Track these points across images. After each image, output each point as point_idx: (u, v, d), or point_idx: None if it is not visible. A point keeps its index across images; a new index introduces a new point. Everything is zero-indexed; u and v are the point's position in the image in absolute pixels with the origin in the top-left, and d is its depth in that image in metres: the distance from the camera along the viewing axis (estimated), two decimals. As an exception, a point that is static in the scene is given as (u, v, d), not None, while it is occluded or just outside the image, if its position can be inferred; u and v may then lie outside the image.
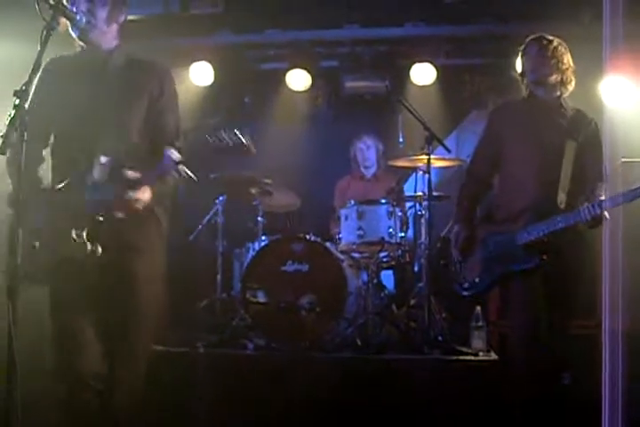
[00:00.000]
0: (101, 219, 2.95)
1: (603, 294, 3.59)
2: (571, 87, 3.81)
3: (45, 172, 3.22)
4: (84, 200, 2.97)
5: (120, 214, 2.97)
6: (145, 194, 2.98)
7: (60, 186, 3.06)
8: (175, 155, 2.88)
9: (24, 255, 2.56)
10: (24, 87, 2.65)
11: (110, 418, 3.07)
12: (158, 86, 3.26)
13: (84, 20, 3.11)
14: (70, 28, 3.15)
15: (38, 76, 2.74)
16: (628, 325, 3.71)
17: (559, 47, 3.75)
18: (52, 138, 3.23)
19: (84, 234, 2.94)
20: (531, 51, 3.80)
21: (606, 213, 3.50)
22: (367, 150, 6.44)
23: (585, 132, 3.75)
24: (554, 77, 3.74)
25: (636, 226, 4.46)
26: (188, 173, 2.96)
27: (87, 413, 3.04)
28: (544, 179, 3.69)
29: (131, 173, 2.94)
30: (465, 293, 3.98)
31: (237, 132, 3.15)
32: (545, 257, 3.60)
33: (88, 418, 3.04)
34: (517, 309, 3.71)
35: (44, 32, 2.74)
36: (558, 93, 3.79)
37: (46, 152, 3.25)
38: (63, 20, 2.99)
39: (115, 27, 3.26)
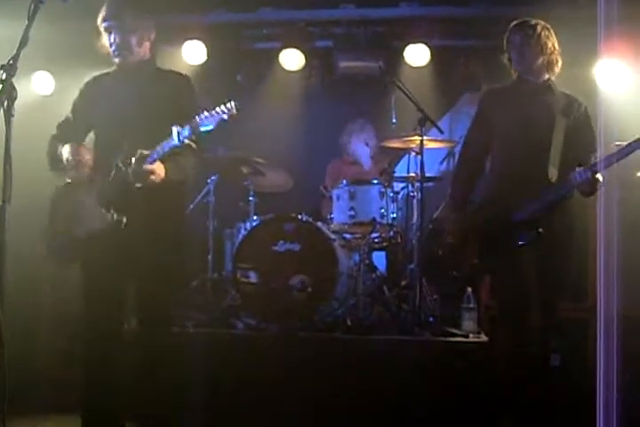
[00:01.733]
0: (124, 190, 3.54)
1: (598, 276, 3.59)
2: (557, 69, 3.84)
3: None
4: (108, 180, 3.62)
5: (138, 184, 3.50)
6: (158, 168, 3.47)
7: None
8: (182, 132, 3.33)
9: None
10: (11, 62, 2.79)
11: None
12: (178, 91, 3.74)
13: (117, 52, 3.69)
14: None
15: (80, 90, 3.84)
16: (622, 307, 3.72)
17: (543, 31, 3.76)
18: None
19: (111, 207, 3.58)
20: (514, 38, 3.82)
21: (599, 176, 3.51)
22: (359, 133, 6.41)
23: (575, 114, 3.78)
24: (540, 62, 3.77)
25: (631, 209, 4.48)
26: (201, 149, 3.56)
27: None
28: (534, 155, 3.71)
29: (144, 151, 3.46)
30: (458, 274, 4.00)
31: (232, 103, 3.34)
32: (541, 230, 3.62)
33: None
34: (507, 289, 3.72)
35: (32, 6, 2.90)
36: (546, 77, 3.83)
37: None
38: (102, 42, 3.73)
39: (147, 44, 3.78)
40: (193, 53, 6.61)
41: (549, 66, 3.80)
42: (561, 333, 4.65)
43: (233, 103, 3.31)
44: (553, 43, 3.79)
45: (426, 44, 6.48)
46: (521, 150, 3.76)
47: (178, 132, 3.33)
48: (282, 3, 6.46)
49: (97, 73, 3.90)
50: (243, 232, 5.56)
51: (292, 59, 6.68)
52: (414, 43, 6.50)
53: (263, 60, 6.94)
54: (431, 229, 5.65)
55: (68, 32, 5.29)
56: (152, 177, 3.47)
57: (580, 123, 3.79)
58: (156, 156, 3.46)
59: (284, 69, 6.76)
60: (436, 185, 5.81)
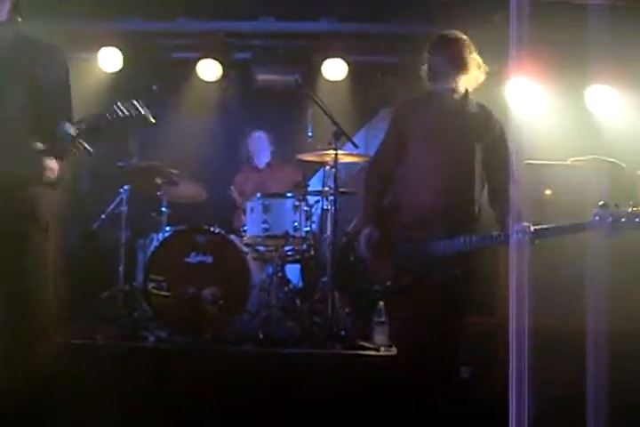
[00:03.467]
0: None
1: (510, 292, 3.66)
2: (474, 84, 3.82)
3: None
4: None
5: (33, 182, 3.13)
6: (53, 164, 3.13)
7: None
8: (70, 128, 3.04)
9: None
10: None
11: None
12: (44, 65, 3.23)
13: None
14: None
15: None
16: (533, 322, 3.82)
17: (463, 46, 3.76)
18: None
19: None
20: (434, 50, 3.80)
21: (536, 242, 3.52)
22: (258, 140, 6.44)
23: (491, 133, 3.77)
24: (457, 76, 3.74)
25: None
26: (86, 146, 3.12)
27: None
28: (451, 169, 3.68)
29: (38, 145, 3.10)
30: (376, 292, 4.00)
31: (134, 103, 3.15)
32: (458, 271, 3.60)
33: None
34: (414, 303, 3.74)
35: None
36: (462, 91, 3.79)
37: None
38: None
39: (7, 2, 3.21)
40: (109, 60, 6.52)
41: (467, 79, 3.78)
42: (470, 346, 4.75)
43: (136, 103, 3.14)
44: (472, 57, 3.78)
45: (343, 58, 6.55)
46: (437, 177, 3.70)
47: (65, 131, 3.07)
48: (201, 13, 6.44)
49: None
50: (155, 243, 5.49)
51: (209, 69, 6.67)
52: (332, 57, 6.57)
53: (180, 70, 6.90)
54: (345, 242, 5.68)
55: None
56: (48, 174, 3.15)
57: (497, 140, 3.77)
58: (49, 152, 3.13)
59: (201, 80, 6.74)
60: (350, 199, 5.84)
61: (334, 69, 6.59)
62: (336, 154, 5.25)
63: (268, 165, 6.48)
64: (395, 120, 3.96)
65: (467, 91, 3.81)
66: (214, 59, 6.61)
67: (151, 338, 5.09)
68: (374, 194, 3.94)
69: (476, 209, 3.73)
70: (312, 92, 5.62)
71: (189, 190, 6.07)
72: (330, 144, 5.31)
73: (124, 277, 5.81)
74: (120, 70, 6.56)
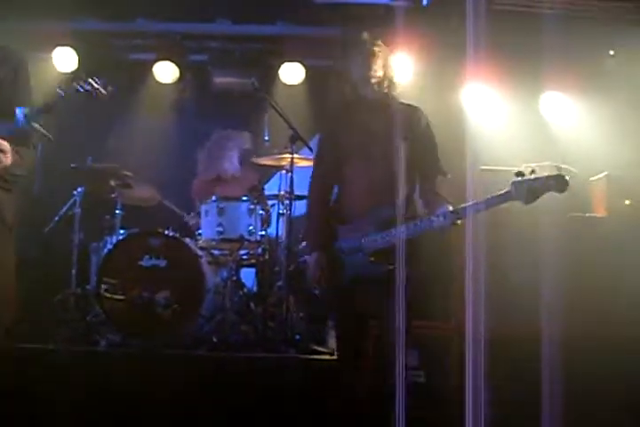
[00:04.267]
0: None
1: (466, 297, 3.69)
2: (397, 85, 3.90)
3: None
4: None
5: None
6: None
7: None
8: (24, 110, 3.07)
9: None
10: None
11: None
12: None
13: None
14: None
15: None
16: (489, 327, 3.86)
17: (383, 49, 3.85)
18: None
19: None
20: (356, 53, 3.88)
21: (459, 222, 3.60)
22: (229, 149, 6.37)
23: (417, 129, 3.84)
24: (379, 77, 3.81)
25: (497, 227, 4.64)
26: (44, 132, 3.18)
27: None
28: (381, 181, 3.74)
29: None
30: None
31: (90, 80, 3.26)
32: (391, 267, 3.62)
33: None
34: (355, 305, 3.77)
35: None
36: (386, 92, 3.86)
37: None
38: None
39: None
40: (63, 60, 6.44)
41: (389, 82, 3.85)
42: (425, 351, 4.79)
43: (92, 80, 3.22)
44: (391, 59, 3.89)
45: (301, 62, 6.55)
46: (366, 176, 3.77)
47: (20, 114, 3.09)
48: (158, 14, 6.40)
49: None
50: (109, 246, 5.44)
51: (166, 71, 6.63)
52: (290, 61, 6.57)
53: (136, 71, 6.84)
54: (300, 248, 5.68)
55: None
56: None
57: (423, 135, 3.85)
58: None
59: (157, 82, 6.69)
60: (305, 203, 5.83)
61: (291, 73, 6.59)
62: (292, 158, 5.25)
63: (235, 172, 6.40)
64: (326, 127, 4.07)
65: (389, 90, 3.87)
66: (171, 60, 6.57)
67: (103, 342, 5.04)
68: (316, 202, 4.00)
69: (407, 203, 3.76)
70: (269, 95, 5.60)
71: (144, 193, 6.02)
72: (286, 148, 5.31)
73: (76, 280, 5.74)
74: (75, 70, 6.47)
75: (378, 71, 3.82)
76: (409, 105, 3.94)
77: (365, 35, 3.91)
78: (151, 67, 6.59)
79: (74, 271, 5.75)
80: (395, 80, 3.89)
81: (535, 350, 3.98)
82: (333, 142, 3.93)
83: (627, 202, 5.26)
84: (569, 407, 3.75)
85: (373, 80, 3.83)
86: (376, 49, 3.84)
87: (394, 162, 3.74)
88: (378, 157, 3.77)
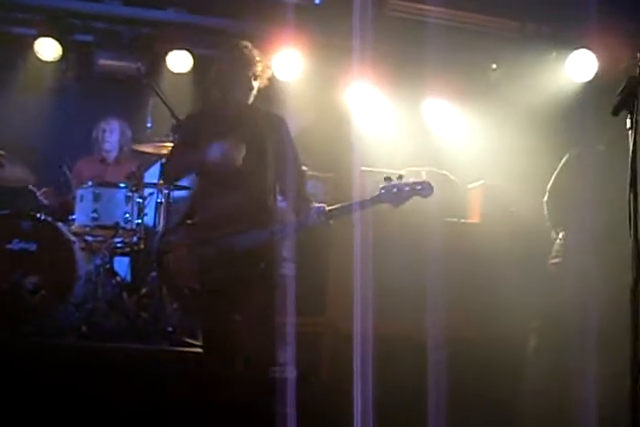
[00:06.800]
0: None
1: (355, 296, 3.75)
2: (256, 90, 3.93)
3: None
4: None
5: None
6: None
7: None
8: None
9: None
10: None
11: None
12: None
13: None
14: None
15: None
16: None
17: (251, 52, 3.89)
18: None
19: None
20: (224, 56, 3.97)
21: (331, 222, 3.68)
22: (110, 133, 6.20)
23: (279, 133, 3.94)
24: (245, 83, 3.86)
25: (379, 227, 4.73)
26: None
27: None
28: (249, 182, 3.81)
29: None
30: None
31: None
32: (263, 265, 3.72)
33: None
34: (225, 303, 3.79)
35: None
36: (250, 96, 3.90)
37: None
38: None
39: None
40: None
41: (252, 87, 3.89)
42: (297, 346, 4.82)
43: None
44: (260, 64, 3.90)
45: (189, 51, 6.47)
46: (231, 176, 3.79)
47: None
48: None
49: None
50: (-25, 227, 5.20)
51: (48, 49, 6.37)
52: (178, 49, 6.47)
53: (16, 46, 6.55)
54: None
55: None
56: None
57: (285, 140, 3.95)
58: None
59: (38, 59, 6.43)
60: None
61: (179, 61, 6.49)
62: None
63: (116, 159, 6.24)
64: (184, 130, 4.17)
65: (255, 96, 3.93)
66: (54, 38, 6.33)
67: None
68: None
69: (270, 203, 3.87)
70: (154, 82, 5.49)
71: (16, 173, 5.76)
72: (168, 137, 5.22)
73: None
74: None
75: (248, 81, 3.85)
76: (271, 113, 4.02)
77: (243, 43, 3.93)
78: (32, 43, 6.32)
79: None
80: (262, 89, 3.94)
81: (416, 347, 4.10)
82: (192, 144, 3.90)
83: (499, 210, 5.48)
84: (452, 401, 3.89)
85: (241, 88, 3.86)
86: (251, 58, 3.86)
87: (254, 163, 3.81)
88: (240, 158, 3.77)
